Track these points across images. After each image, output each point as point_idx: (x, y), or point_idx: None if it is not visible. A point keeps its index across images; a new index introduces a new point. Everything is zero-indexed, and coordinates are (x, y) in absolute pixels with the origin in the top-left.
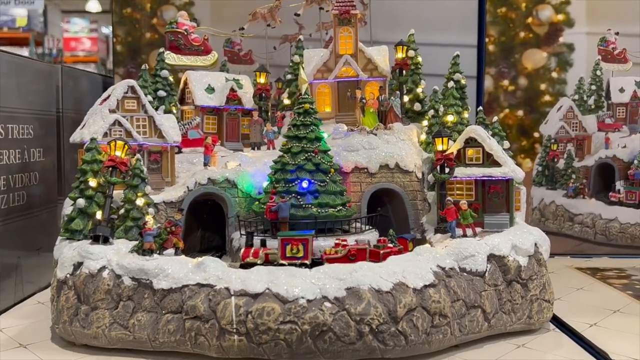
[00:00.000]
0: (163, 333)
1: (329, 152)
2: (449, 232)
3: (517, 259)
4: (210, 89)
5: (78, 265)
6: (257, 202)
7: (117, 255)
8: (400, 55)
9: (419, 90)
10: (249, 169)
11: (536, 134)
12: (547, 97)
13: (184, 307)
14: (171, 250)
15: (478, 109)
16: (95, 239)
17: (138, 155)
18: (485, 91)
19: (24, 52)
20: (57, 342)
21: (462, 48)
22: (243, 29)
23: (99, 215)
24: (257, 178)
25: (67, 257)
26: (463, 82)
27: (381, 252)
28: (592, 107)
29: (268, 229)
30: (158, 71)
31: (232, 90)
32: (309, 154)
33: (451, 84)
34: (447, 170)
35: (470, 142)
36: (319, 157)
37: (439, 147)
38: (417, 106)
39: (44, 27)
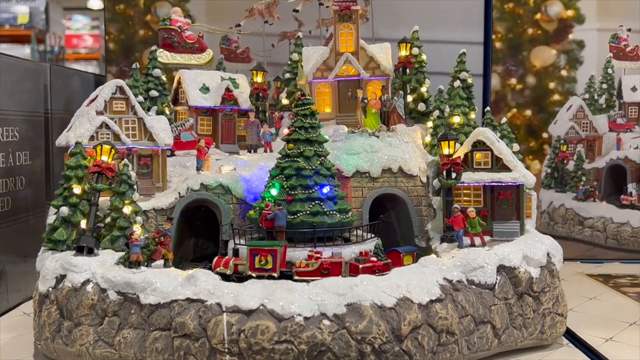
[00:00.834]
0: (150, 352)
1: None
2: (455, 241)
3: (528, 270)
4: (205, 89)
5: (61, 278)
6: (252, 212)
7: (102, 268)
8: (403, 53)
9: (423, 89)
10: (244, 173)
11: (545, 135)
12: (556, 96)
13: (172, 324)
14: (160, 262)
15: (486, 110)
16: (79, 250)
17: (126, 160)
18: (492, 90)
19: (26, 49)
20: (39, 359)
21: (468, 45)
22: (239, 25)
23: (83, 224)
24: (253, 183)
25: (49, 269)
26: (470, 81)
27: (360, 266)
28: (603, 106)
29: (263, 238)
30: (150, 70)
31: (227, 90)
32: (321, 158)
33: (457, 83)
34: (453, 175)
35: (478, 145)
36: (328, 161)
37: (445, 151)
38: (421, 106)
39: (46, 24)
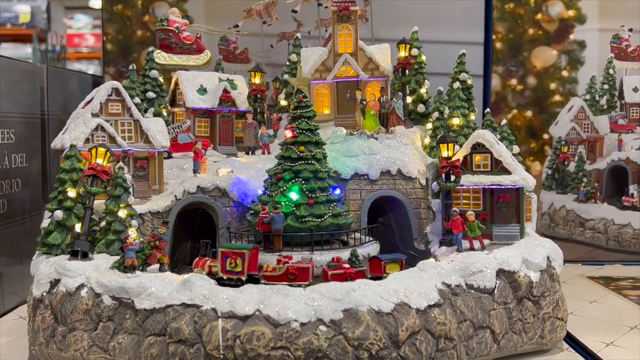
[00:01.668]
0: (145, 357)
1: None
2: (454, 244)
3: (528, 274)
4: (203, 90)
5: (55, 282)
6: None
7: (96, 272)
8: (402, 53)
9: (423, 90)
10: (241, 175)
11: (546, 136)
12: (557, 97)
13: (167, 330)
14: (155, 266)
15: (485, 111)
16: (74, 254)
17: (121, 163)
18: (492, 91)
19: (27, 48)
20: None
21: (468, 46)
22: (237, 26)
23: (78, 228)
24: (251, 185)
25: (43, 274)
26: (470, 82)
27: (329, 272)
28: (605, 107)
29: (260, 241)
30: (147, 71)
31: (225, 91)
32: (326, 159)
33: (457, 84)
34: (452, 178)
35: (478, 147)
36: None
37: (444, 154)
38: (420, 108)
39: (48, 23)
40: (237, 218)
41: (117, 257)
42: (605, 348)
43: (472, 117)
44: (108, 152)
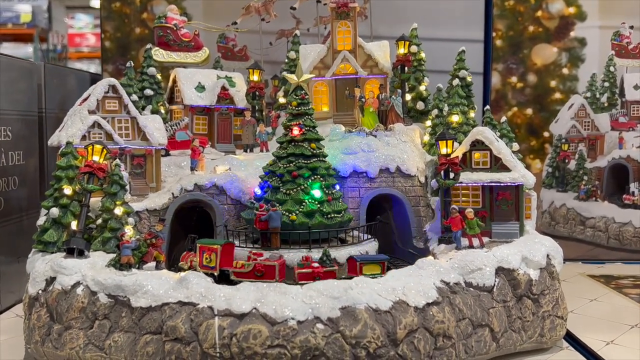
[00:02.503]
0: (141, 356)
1: None
2: (453, 242)
3: (527, 272)
4: (201, 88)
5: (51, 280)
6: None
7: (92, 270)
8: (402, 50)
9: (422, 88)
10: (239, 173)
11: (546, 134)
12: (557, 95)
13: (163, 328)
14: (152, 264)
15: (485, 108)
16: (70, 252)
17: (117, 161)
18: (492, 88)
19: (28, 48)
20: None
21: (467, 43)
22: (236, 23)
23: (74, 225)
24: (249, 183)
25: (39, 272)
26: (469, 79)
27: (296, 271)
28: (605, 105)
29: (258, 239)
30: (145, 68)
31: (223, 88)
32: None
33: (456, 81)
34: (451, 175)
35: (477, 144)
36: None
37: (443, 151)
38: (420, 105)
39: (49, 23)
40: (235, 216)
41: (113, 255)
42: (605, 347)
43: (472, 114)
44: (105, 150)
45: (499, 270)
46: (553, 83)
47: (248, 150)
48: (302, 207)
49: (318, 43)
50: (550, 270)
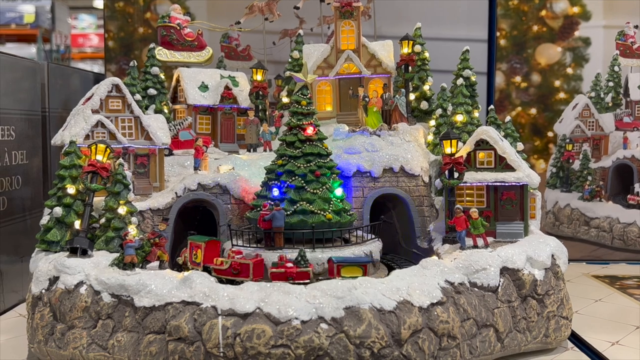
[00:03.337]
0: (145, 355)
1: None
2: (458, 242)
3: (532, 272)
4: (204, 87)
5: (54, 279)
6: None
7: (95, 270)
8: (406, 50)
9: (426, 87)
10: (243, 172)
11: (550, 134)
12: (561, 95)
13: (167, 327)
14: (155, 264)
15: (489, 108)
16: (73, 251)
17: (121, 160)
18: (496, 88)
19: (32, 48)
20: None
21: (471, 43)
22: (239, 23)
23: (77, 224)
24: (252, 182)
25: (42, 271)
26: (473, 78)
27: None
28: (610, 104)
29: (262, 239)
30: (148, 68)
31: (226, 88)
32: None
33: (460, 80)
34: (456, 175)
35: (481, 144)
36: None
37: (447, 150)
38: (423, 105)
39: (52, 23)
40: (238, 215)
41: (116, 254)
42: (610, 347)
43: (476, 114)
44: (108, 149)
45: (504, 271)
46: (557, 83)
47: (251, 149)
48: (331, 205)
49: (322, 43)
50: (555, 270)
